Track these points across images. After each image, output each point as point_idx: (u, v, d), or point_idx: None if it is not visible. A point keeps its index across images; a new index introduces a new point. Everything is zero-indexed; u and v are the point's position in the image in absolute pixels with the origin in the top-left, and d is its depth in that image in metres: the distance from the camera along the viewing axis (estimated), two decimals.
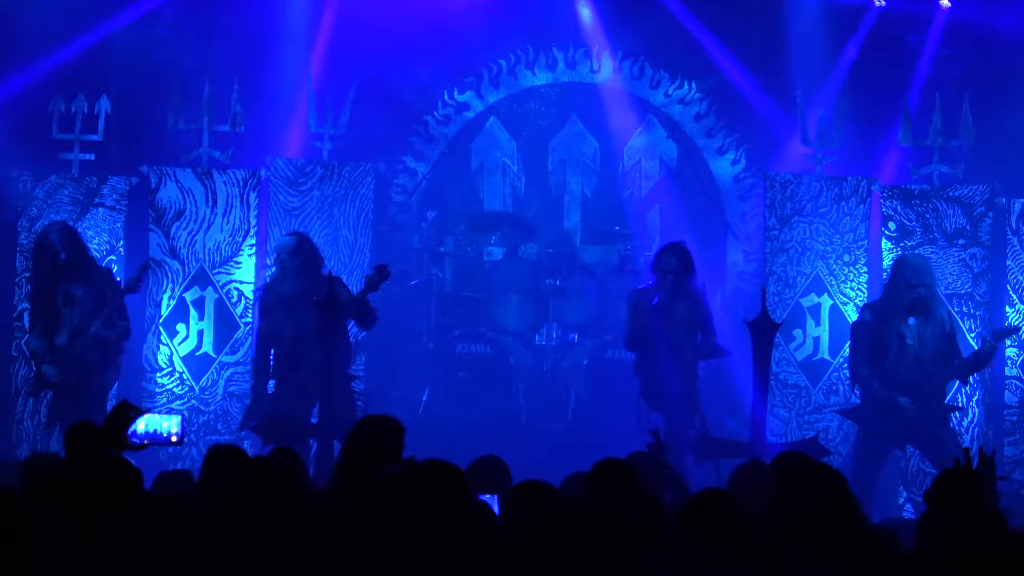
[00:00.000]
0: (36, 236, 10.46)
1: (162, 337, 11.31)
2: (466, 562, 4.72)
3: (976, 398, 11.00)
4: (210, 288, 11.37)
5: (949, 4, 11.93)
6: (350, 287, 10.00)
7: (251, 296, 11.25)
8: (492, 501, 5.76)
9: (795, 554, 4.92)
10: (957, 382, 10.36)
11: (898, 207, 11.39)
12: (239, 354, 11.29)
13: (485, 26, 12.34)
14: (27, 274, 10.85)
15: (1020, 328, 10.82)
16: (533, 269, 12.33)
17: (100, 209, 11.32)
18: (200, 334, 11.37)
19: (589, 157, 13.05)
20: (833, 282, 11.49)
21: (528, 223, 12.69)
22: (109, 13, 11.70)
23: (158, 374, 11.29)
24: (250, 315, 11.21)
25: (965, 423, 10.82)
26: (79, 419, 6.67)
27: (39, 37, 11.43)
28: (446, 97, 12.96)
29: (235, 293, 11.35)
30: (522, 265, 12.40)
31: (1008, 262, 11.27)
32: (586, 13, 12.62)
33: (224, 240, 11.38)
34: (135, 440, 6.02)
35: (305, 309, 9.69)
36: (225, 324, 11.37)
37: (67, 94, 11.51)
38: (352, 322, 9.86)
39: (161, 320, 11.32)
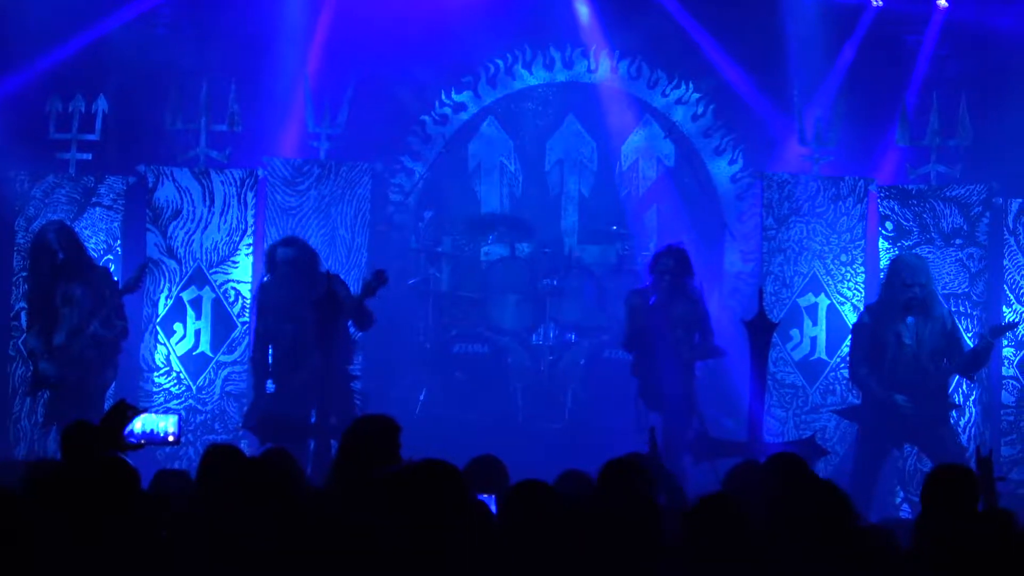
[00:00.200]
0: (34, 236, 10.46)
1: (159, 336, 11.30)
2: (464, 562, 4.72)
3: (973, 398, 11.01)
4: (207, 288, 11.36)
5: (946, 4, 11.93)
6: (347, 285, 10.00)
7: (248, 296, 11.25)
8: (489, 501, 5.76)
9: (790, 554, 4.93)
10: (956, 381, 10.36)
11: (895, 207, 11.39)
12: (236, 354, 11.29)
13: (482, 26, 12.33)
14: (24, 273, 10.85)
15: (1017, 324, 10.82)
16: (530, 269, 12.32)
17: (97, 209, 11.31)
18: (197, 334, 11.37)
19: (586, 157, 13.04)
20: (830, 282, 11.50)
21: (525, 223, 12.68)
22: (106, 13, 11.68)
23: (155, 373, 11.29)
24: (247, 315, 11.21)
25: (962, 423, 10.82)
26: (76, 418, 6.67)
27: (36, 36, 11.43)
28: (443, 97, 12.95)
29: (232, 293, 11.35)
30: (519, 265, 12.39)
31: (1005, 262, 11.28)
32: (584, 11, 12.61)
33: (221, 240, 11.38)
34: (132, 440, 6.02)
35: (304, 310, 9.69)
36: (222, 324, 11.37)
37: (64, 93, 11.50)
38: (350, 322, 9.87)
39: (158, 319, 11.31)
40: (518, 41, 12.91)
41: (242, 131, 11.61)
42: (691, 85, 12.89)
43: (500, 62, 12.96)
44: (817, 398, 11.42)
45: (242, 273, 11.37)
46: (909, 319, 9.82)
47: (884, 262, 11.13)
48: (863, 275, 11.46)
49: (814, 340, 11.50)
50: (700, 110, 12.91)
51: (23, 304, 10.80)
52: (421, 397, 11.73)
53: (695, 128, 12.93)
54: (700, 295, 10.11)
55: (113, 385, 10.23)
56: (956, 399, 10.69)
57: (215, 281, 11.36)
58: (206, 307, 11.37)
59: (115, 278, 10.36)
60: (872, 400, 9.95)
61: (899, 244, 11.24)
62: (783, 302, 11.47)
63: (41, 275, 9.99)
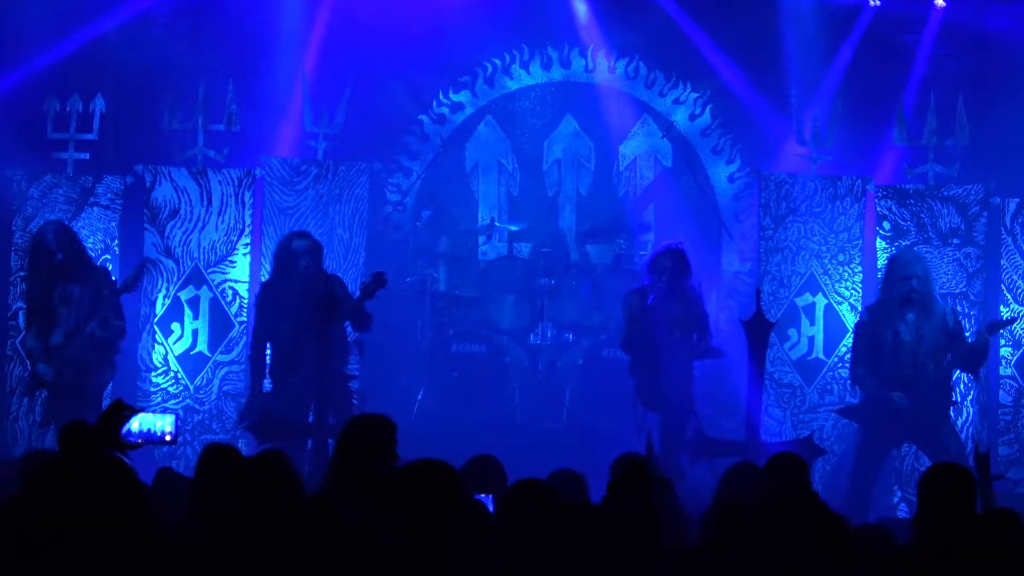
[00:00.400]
0: (32, 235, 10.46)
1: (157, 336, 11.30)
2: (462, 561, 4.72)
3: (971, 397, 11.01)
4: (205, 287, 11.37)
5: (944, 4, 11.93)
6: (346, 285, 10.01)
7: (246, 295, 11.25)
8: (487, 501, 5.76)
9: (787, 554, 4.93)
10: (957, 378, 10.33)
11: (893, 206, 11.40)
12: (234, 353, 11.29)
13: (480, 25, 12.33)
14: (22, 273, 10.86)
15: (1014, 320, 10.83)
16: (528, 268, 12.32)
17: (95, 208, 11.31)
18: (195, 333, 11.37)
19: (584, 156, 13.04)
20: (828, 281, 11.50)
21: (523, 222, 12.68)
22: (104, 12, 11.68)
23: (153, 373, 11.29)
24: (245, 314, 11.21)
25: (960, 422, 10.82)
26: (74, 418, 6.67)
27: (34, 36, 11.43)
28: (441, 96, 12.95)
29: (230, 292, 11.35)
30: (517, 264, 12.39)
31: (1003, 262, 11.29)
32: (582, 9, 12.60)
33: (219, 239, 11.38)
34: (130, 439, 6.02)
35: (304, 309, 9.69)
36: (220, 323, 11.37)
37: (62, 93, 11.50)
38: (348, 322, 9.87)
39: (156, 319, 11.32)
40: (516, 41, 12.91)
41: (240, 131, 11.61)
42: (689, 85, 12.89)
43: (498, 61, 12.95)
44: (815, 397, 11.42)
45: (240, 273, 11.37)
46: (909, 316, 9.82)
47: (882, 262, 11.14)
48: (860, 275, 11.47)
49: (812, 340, 11.51)
50: (698, 110, 12.91)
51: (21, 304, 10.80)
52: (419, 397, 11.72)
53: (693, 128, 12.93)
54: (699, 295, 10.12)
55: (111, 385, 10.23)
56: (954, 398, 10.69)
57: (213, 281, 11.37)
58: (204, 307, 11.37)
59: (113, 278, 10.35)
60: (871, 399, 9.96)
61: (897, 244, 11.24)
62: (781, 302, 11.47)
63: (39, 275, 9.99)
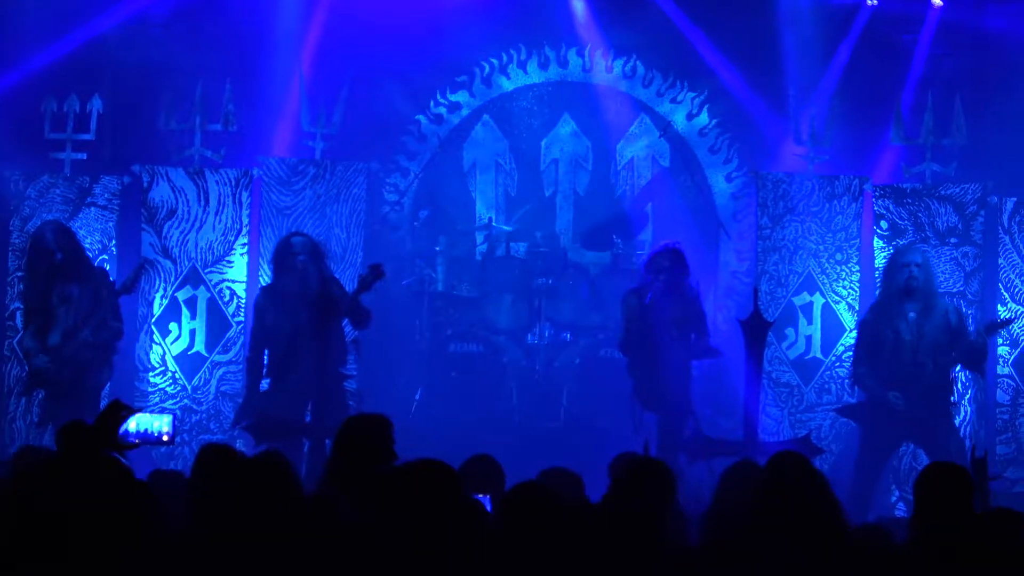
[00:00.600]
0: (31, 235, 10.45)
1: (155, 336, 11.30)
2: (460, 561, 4.72)
3: (968, 396, 11.01)
4: (202, 287, 11.36)
5: (941, 3, 11.94)
6: (343, 286, 10.00)
7: (243, 295, 11.25)
8: (485, 501, 5.76)
9: (785, 553, 4.93)
10: (955, 378, 10.31)
11: (890, 206, 11.40)
12: (231, 353, 11.29)
13: (477, 25, 12.33)
14: (20, 273, 10.85)
15: (1012, 321, 10.82)
16: (525, 268, 12.31)
17: (92, 208, 11.31)
18: (192, 333, 11.37)
19: (582, 156, 13.03)
20: (825, 281, 11.51)
21: (520, 222, 12.68)
22: (101, 13, 11.67)
23: (151, 373, 11.28)
24: (242, 314, 11.21)
25: (957, 421, 10.82)
26: (71, 418, 6.67)
27: (31, 36, 11.42)
28: (438, 96, 12.94)
29: (227, 292, 11.34)
30: (514, 264, 12.38)
31: (1000, 261, 11.30)
32: (579, 8, 12.60)
33: (216, 239, 11.38)
34: (127, 439, 6.01)
35: (302, 308, 9.69)
36: (217, 323, 11.37)
37: (59, 93, 11.50)
38: (347, 320, 9.87)
39: (153, 319, 11.31)
40: (513, 40, 12.91)
41: (237, 130, 11.61)
42: (686, 84, 12.89)
43: (495, 61, 12.95)
44: (812, 397, 11.42)
45: (237, 273, 11.37)
46: (911, 315, 9.79)
47: (879, 261, 11.15)
48: (858, 274, 11.48)
49: (809, 339, 11.51)
50: (695, 109, 12.91)
51: (18, 304, 10.80)
52: (417, 397, 11.72)
53: (690, 127, 12.93)
54: (697, 295, 10.11)
55: (108, 385, 10.22)
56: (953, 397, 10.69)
57: (210, 281, 11.36)
58: (201, 307, 11.37)
59: (111, 279, 10.35)
60: (871, 399, 9.95)
61: (894, 243, 11.25)
62: (778, 301, 11.48)
63: (38, 275, 9.98)
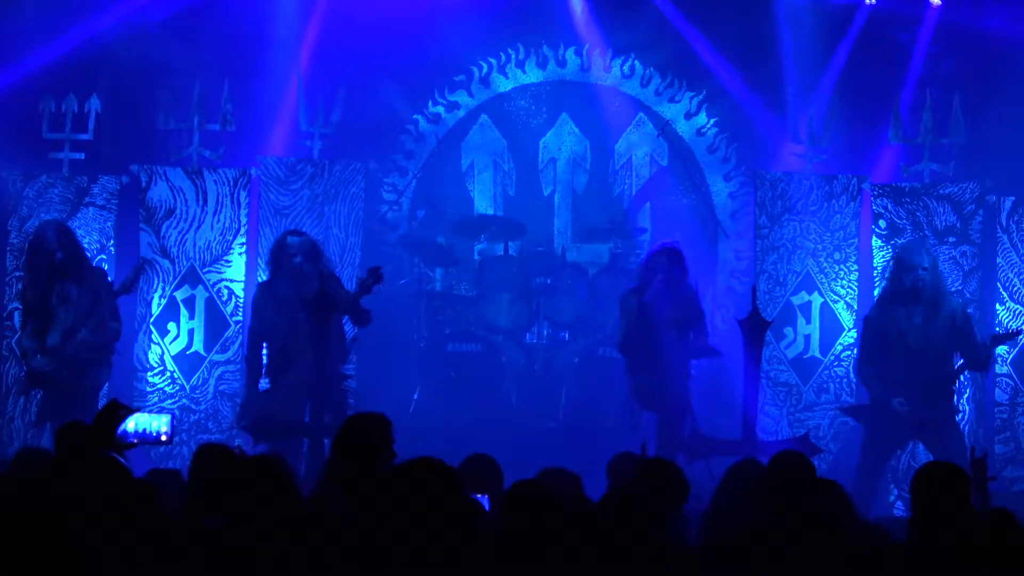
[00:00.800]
0: (31, 234, 10.43)
1: (153, 336, 11.30)
2: (459, 560, 4.72)
3: (966, 396, 11.01)
4: (200, 287, 11.36)
5: (939, 3, 11.94)
6: (342, 282, 10.00)
7: (241, 295, 11.25)
8: (483, 500, 5.76)
9: (791, 552, 4.93)
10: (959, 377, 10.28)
11: (888, 205, 11.40)
12: (230, 353, 11.29)
13: (475, 24, 12.33)
14: (18, 273, 10.84)
15: (1019, 333, 10.72)
16: (524, 267, 12.31)
17: (90, 208, 11.31)
18: (191, 333, 11.37)
19: (580, 155, 13.03)
20: (824, 280, 11.50)
21: (518, 221, 12.67)
22: (99, 12, 11.67)
23: (149, 373, 11.28)
24: (241, 314, 11.21)
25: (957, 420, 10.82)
26: (70, 418, 6.67)
27: (29, 36, 11.42)
28: (436, 96, 12.93)
29: (225, 292, 11.34)
30: (513, 263, 12.37)
31: (998, 260, 11.29)
32: (578, 7, 12.60)
33: (214, 239, 11.38)
34: (126, 439, 6.01)
35: (299, 309, 9.68)
36: (216, 323, 11.37)
37: (57, 93, 11.50)
38: (346, 318, 9.87)
39: (152, 319, 11.31)
40: (511, 40, 12.90)
41: (235, 130, 11.62)
42: (685, 84, 12.88)
43: (493, 61, 12.94)
44: (811, 396, 11.42)
45: (235, 272, 11.37)
46: (916, 318, 9.73)
47: (877, 260, 11.16)
48: (856, 273, 11.48)
49: (808, 338, 11.51)
50: (694, 109, 12.90)
51: (16, 304, 10.79)
52: (415, 396, 11.71)
53: (689, 127, 12.93)
54: (694, 293, 10.10)
55: (107, 385, 10.21)
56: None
57: (208, 280, 11.36)
58: (200, 306, 11.37)
59: (110, 279, 10.34)
60: (875, 401, 9.92)
61: (892, 242, 11.25)
62: (777, 300, 11.48)
63: (38, 273, 9.96)
